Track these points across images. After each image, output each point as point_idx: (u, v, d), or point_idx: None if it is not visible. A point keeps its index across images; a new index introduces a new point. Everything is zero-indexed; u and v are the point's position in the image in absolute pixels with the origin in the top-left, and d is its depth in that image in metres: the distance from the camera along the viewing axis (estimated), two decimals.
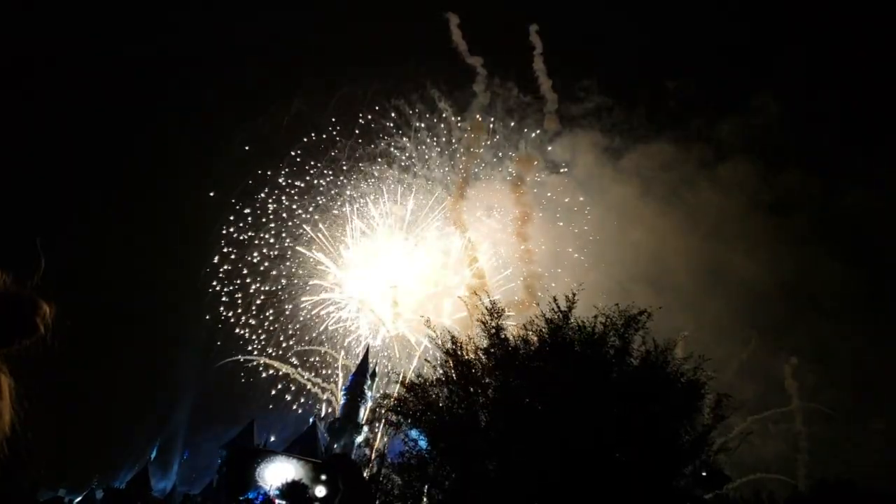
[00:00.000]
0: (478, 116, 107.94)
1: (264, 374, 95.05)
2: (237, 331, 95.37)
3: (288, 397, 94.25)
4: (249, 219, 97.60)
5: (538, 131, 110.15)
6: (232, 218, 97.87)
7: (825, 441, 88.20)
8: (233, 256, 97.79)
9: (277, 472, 53.73)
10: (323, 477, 52.10)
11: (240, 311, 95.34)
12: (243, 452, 56.14)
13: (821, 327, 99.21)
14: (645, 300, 29.11)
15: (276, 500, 51.28)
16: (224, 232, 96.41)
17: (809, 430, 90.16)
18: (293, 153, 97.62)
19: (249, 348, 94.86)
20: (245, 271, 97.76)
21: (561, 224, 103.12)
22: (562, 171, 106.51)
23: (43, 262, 2.66)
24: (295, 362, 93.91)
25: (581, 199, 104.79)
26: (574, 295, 26.83)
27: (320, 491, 51.02)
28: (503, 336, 26.68)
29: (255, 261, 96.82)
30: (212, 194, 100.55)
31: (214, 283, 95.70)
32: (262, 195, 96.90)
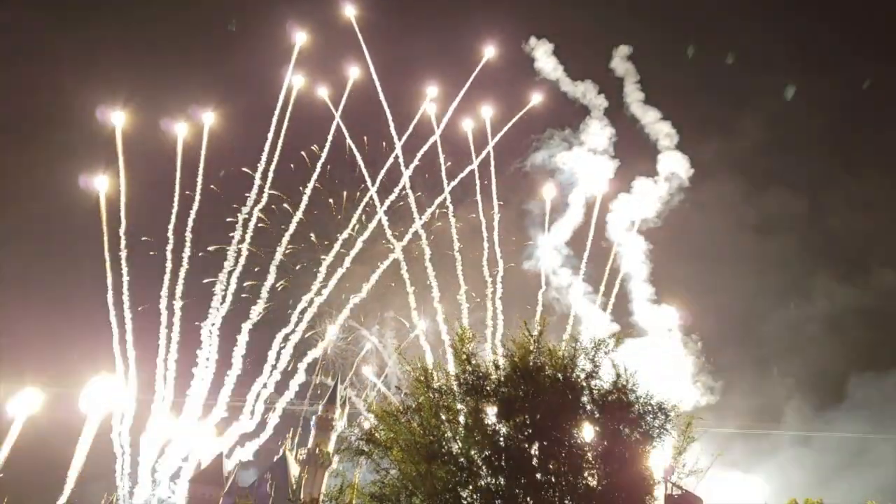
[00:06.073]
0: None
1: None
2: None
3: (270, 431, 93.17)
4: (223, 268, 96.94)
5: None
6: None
7: (840, 465, 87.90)
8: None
9: None
10: None
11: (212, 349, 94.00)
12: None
13: (812, 348, 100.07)
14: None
15: None
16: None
17: (820, 454, 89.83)
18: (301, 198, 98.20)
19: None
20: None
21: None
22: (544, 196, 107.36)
23: None
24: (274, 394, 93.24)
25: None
26: (545, 320, 27.17)
27: None
28: (474, 362, 26.70)
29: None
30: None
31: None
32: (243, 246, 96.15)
